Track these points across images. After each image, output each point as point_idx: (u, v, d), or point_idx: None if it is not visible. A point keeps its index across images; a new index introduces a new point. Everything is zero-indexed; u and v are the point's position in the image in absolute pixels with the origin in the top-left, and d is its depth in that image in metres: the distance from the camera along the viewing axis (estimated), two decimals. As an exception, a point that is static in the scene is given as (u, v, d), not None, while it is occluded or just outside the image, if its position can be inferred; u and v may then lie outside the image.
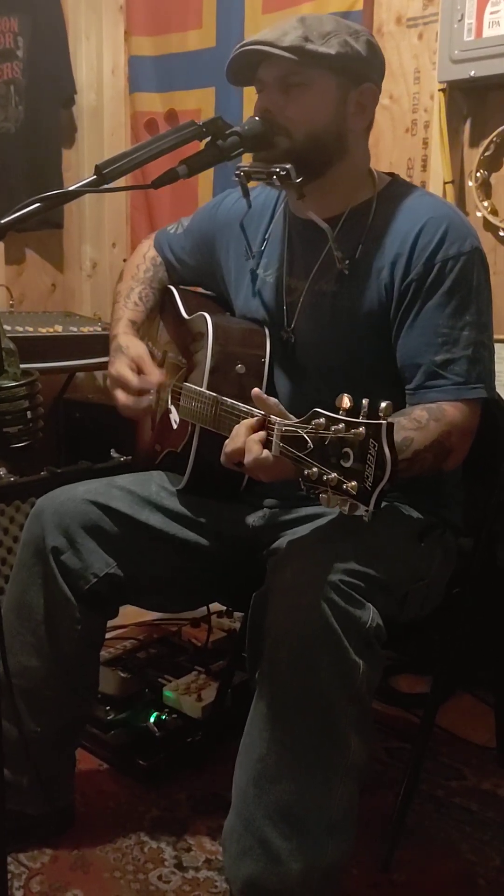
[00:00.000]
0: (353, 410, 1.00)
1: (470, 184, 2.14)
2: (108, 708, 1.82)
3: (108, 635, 1.65)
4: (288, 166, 1.31)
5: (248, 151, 1.34)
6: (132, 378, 1.46)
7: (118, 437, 2.37)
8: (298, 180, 1.31)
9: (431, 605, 1.43)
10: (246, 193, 1.45)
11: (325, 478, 1.01)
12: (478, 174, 2.12)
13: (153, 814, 1.63)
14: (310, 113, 1.33)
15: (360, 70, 1.34)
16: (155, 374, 1.46)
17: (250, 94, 2.56)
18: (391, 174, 1.47)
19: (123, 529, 1.44)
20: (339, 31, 1.31)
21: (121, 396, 1.47)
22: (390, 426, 0.97)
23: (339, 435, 1.00)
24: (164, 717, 1.82)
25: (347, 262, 1.38)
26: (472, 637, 1.63)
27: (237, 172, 1.36)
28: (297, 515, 1.44)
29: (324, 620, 1.14)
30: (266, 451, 1.13)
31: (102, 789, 1.70)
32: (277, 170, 1.32)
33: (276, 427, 1.12)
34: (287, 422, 1.11)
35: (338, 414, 1.01)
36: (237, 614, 2.20)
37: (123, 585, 1.44)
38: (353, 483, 0.98)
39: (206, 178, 2.71)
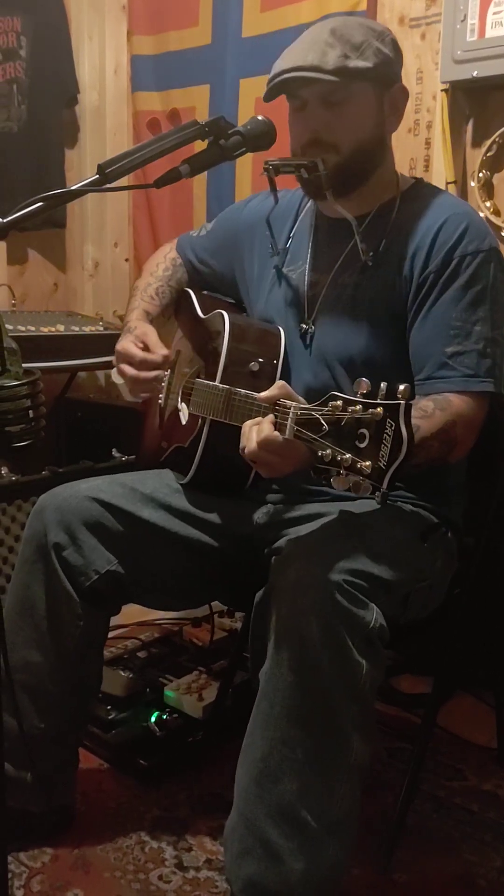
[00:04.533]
0: (371, 394, 1.01)
1: (472, 184, 2.14)
2: (109, 707, 1.82)
3: (109, 635, 1.65)
4: (316, 159, 1.34)
5: (251, 151, 1.34)
6: (136, 351, 1.51)
7: (119, 436, 2.38)
8: (324, 172, 1.34)
9: (433, 606, 1.43)
10: (273, 188, 1.46)
11: (338, 458, 1.01)
12: (480, 174, 2.12)
13: (154, 813, 1.63)
14: (355, 126, 1.37)
15: (392, 73, 1.38)
16: (159, 351, 1.50)
17: (245, 92, 2.58)
18: (416, 178, 1.49)
19: (125, 526, 1.44)
20: (368, 38, 1.33)
21: (128, 370, 1.51)
22: (408, 406, 0.97)
23: (356, 416, 1.00)
24: (165, 716, 1.82)
25: (371, 254, 1.40)
26: (473, 637, 1.63)
27: (266, 167, 1.39)
28: (300, 513, 1.44)
29: (327, 620, 1.14)
30: (276, 433, 1.13)
31: (103, 789, 1.70)
32: (305, 163, 1.35)
33: (290, 410, 1.11)
34: (301, 405, 1.11)
35: (356, 397, 1.02)
36: (238, 614, 2.20)
37: (125, 583, 1.44)
38: (368, 462, 0.98)
39: (201, 177, 2.69)
